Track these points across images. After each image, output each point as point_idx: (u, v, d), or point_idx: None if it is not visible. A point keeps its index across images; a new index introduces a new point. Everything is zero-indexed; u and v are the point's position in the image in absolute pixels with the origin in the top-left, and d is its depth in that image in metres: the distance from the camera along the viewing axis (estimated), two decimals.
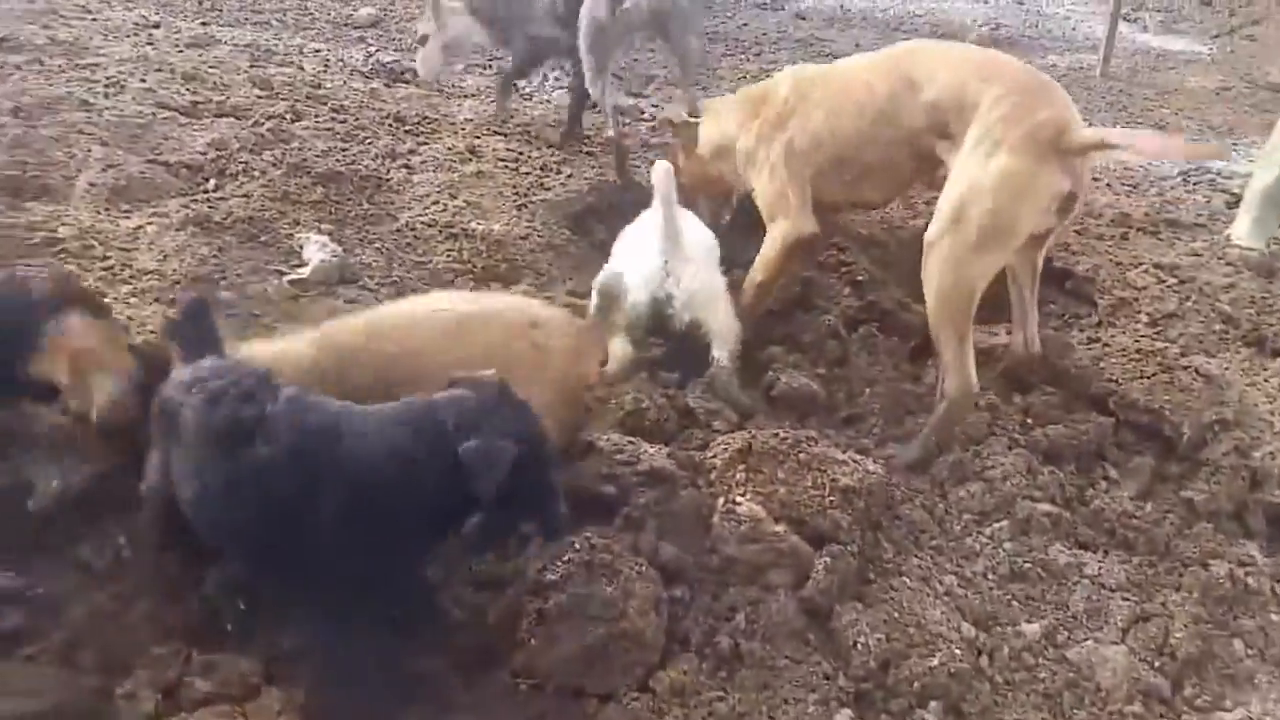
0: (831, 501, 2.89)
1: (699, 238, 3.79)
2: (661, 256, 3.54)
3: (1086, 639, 2.67)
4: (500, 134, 5.58)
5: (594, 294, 3.70)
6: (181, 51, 6.16)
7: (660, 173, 3.57)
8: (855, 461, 3.03)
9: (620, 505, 2.96)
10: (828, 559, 2.74)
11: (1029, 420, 3.52)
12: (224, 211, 4.18)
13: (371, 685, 2.46)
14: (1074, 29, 9.98)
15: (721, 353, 3.57)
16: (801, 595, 2.68)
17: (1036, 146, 3.06)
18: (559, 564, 2.67)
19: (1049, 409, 3.55)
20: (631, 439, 3.21)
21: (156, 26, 6.65)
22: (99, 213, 4.02)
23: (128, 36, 6.15)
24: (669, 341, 3.66)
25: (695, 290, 3.55)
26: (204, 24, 7.10)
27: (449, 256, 4.27)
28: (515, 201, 4.81)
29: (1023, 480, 3.18)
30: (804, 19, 9.58)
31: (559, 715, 2.44)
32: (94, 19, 6.47)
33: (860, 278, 4.20)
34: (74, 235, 3.75)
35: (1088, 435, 3.43)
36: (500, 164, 5.20)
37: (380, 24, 7.90)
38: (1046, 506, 3.09)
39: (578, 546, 2.71)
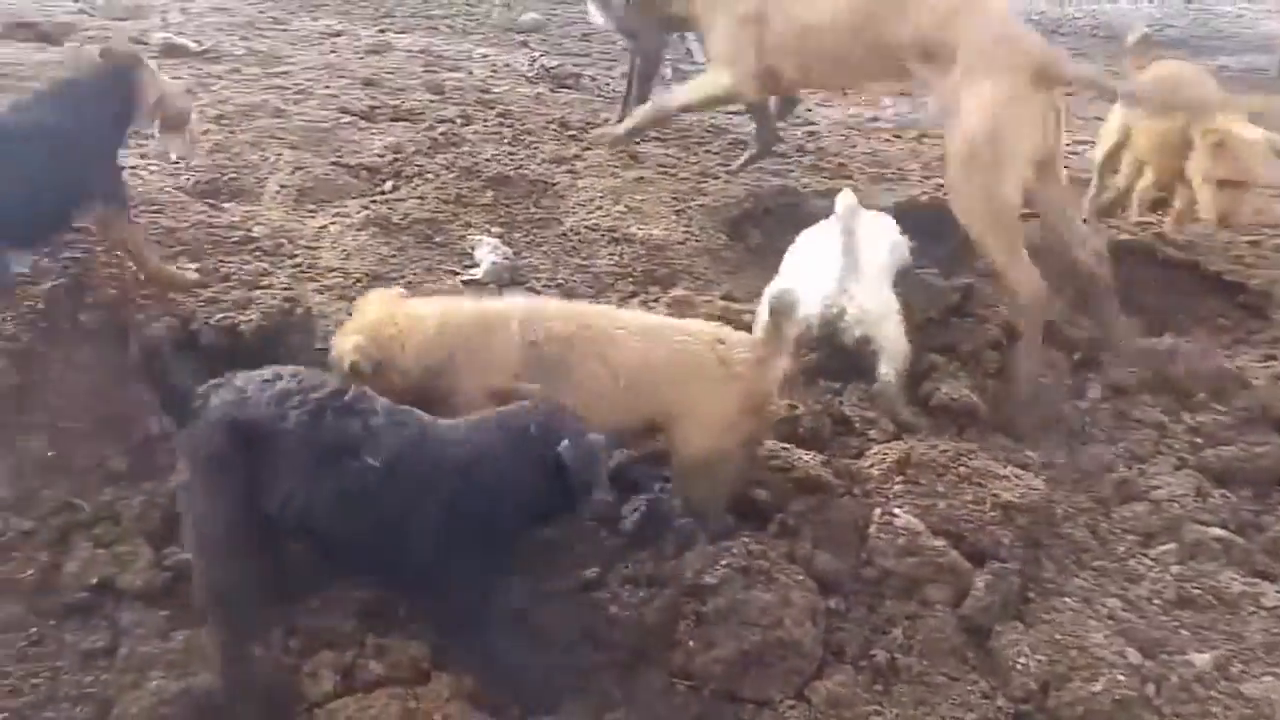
0: (992, 517, 2.83)
1: (877, 255, 3.73)
2: (838, 274, 3.50)
3: (1264, 674, 2.54)
4: (660, 139, 5.63)
5: (764, 303, 3.69)
6: (361, 58, 6.44)
7: (844, 203, 3.55)
8: (1017, 477, 2.96)
9: (775, 512, 2.97)
10: (988, 576, 2.68)
11: (1198, 440, 3.37)
12: (401, 213, 4.35)
13: (529, 679, 2.54)
14: (1247, 29, 9.43)
15: (889, 369, 3.51)
16: (960, 612, 2.63)
17: (1027, 72, 3.47)
18: (716, 568, 2.70)
19: (1220, 429, 3.39)
20: (786, 445, 3.21)
21: (339, 35, 6.97)
22: (288, 213, 4.25)
23: (314, 45, 6.46)
24: (831, 351, 3.63)
25: (869, 309, 3.50)
26: (380, 31, 7.39)
27: (611, 260, 4.34)
28: (674, 206, 4.85)
29: (1191, 502, 3.05)
30: None
31: (715, 718, 2.47)
32: (285, 30, 6.82)
33: None
34: (266, 234, 3.97)
35: (1265, 458, 3.26)
36: (660, 169, 5.25)
37: (543, 29, 8.07)
38: (1217, 531, 2.96)
39: (735, 551, 2.74)
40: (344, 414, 2.33)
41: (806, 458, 3.12)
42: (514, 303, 3.07)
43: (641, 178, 5.05)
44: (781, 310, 3.04)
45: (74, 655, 2.47)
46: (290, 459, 2.27)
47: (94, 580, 2.64)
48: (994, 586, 2.66)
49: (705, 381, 2.86)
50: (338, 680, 2.47)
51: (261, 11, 7.23)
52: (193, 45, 5.96)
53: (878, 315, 3.52)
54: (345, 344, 2.76)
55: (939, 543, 2.76)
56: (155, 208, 3.93)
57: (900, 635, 2.59)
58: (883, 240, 3.83)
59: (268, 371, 2.39)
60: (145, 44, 5.94)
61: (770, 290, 3.67)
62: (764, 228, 4.83)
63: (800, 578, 2.69)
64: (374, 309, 2.88)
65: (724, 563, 2.70)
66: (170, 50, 5.90)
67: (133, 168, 4.24)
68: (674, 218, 4.74)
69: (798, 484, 3.02)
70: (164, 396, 2.44)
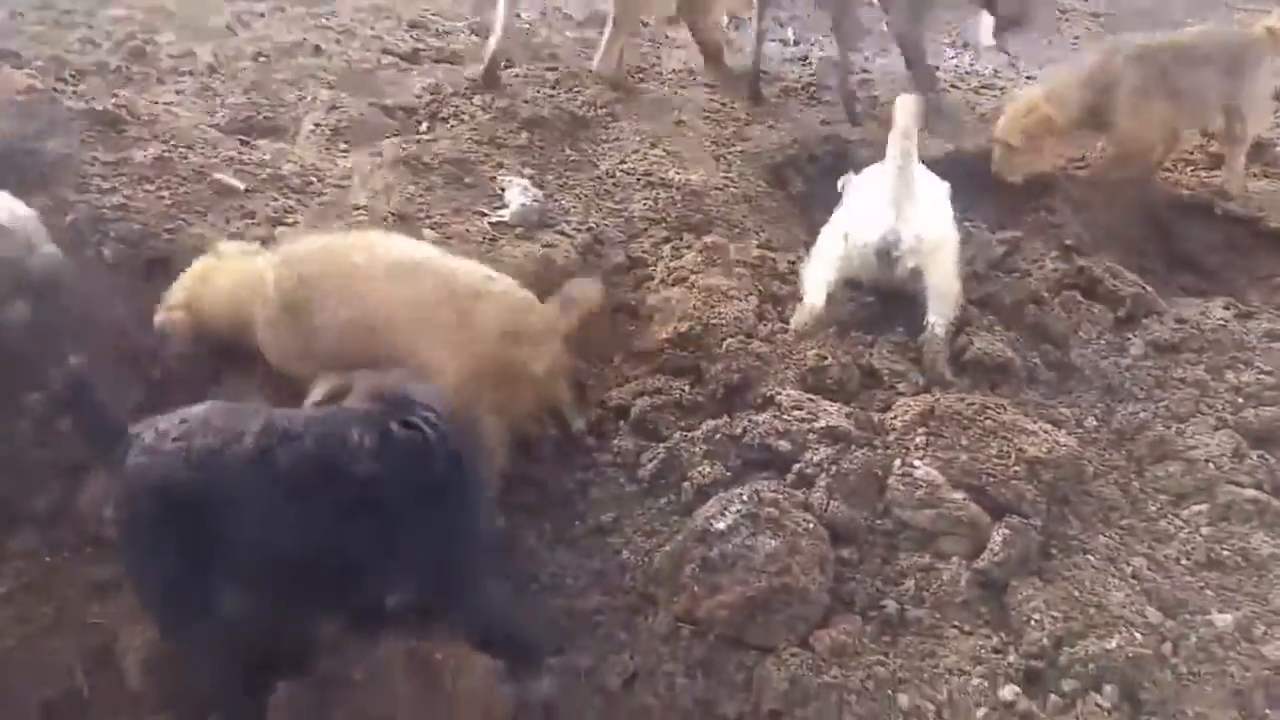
0: (1016, 472, 2.77)
1: (933, 186, 3.65)
2: (893, 195, 3.41)
3: None
4: (706, 85, 5.53)
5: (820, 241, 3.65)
6: (412, 2, 6.38)
7: (904, 103, 3.49)
8: (1046, 432, 2.89)
9: (793, 461, 2.93)
10: (1007, 531, 2.63)
11: (1240, 400, 3.25)
12: (432, 153, 4.32)
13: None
14: None
15: (938, 316, 3.40)
16: (976, 566, 2.59)
17: None
18: (726, 514, 2.67)
19: (1264, 389, 3.26)
20: (812, 396, 3.16)
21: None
22: (320, 151, 4.25)
23: None
24: (866, 298, 3.54)
25: (924, 235, 3.41)
26: None
27: (645, 205, 4.29)
28: (714, 152, 4.77)
29: (1228, 463, 2.95)
30: None
31: (718, 663, 2.46)
32: None
33: (1069, 241, 3.97)
34: (296, 172, 3.98)
35: None
36: (702, 114, 5.17)
37: None
38: (1252, 492, 2.87)
39: (746, 498, 2.71)
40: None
41: (831, 409, 3.07)
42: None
43: (681, 121, 4.98)
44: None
45: (83, 585, 2.53)
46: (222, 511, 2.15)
47: (106, 514, 2.68)
48: (1011, 541, 2.61)
49: (438, 331, 2.74)
50: None
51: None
52: None
53: (933, 244, 3.43)
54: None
55: (958, 495, 2.72)
56: (185, 144, 3.95)
57: (912, 587, 2.56)
58: (940, 186, 3.73)
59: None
60: None
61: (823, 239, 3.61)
62: (807, 175, 4.74)
63: (811, 525, 2.66)
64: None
65: (734, 509, 2.67)
66: None
67: (167, 104, 4.26)
68: (713, 163, 4.67)
69: (820, 434, 2.97)
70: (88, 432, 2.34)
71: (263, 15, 5.60)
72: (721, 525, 2.65)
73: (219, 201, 3.62)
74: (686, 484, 3.03)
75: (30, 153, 3.56)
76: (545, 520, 3.01)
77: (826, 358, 3.31)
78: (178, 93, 4.39)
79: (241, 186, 3.73)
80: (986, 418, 2.89)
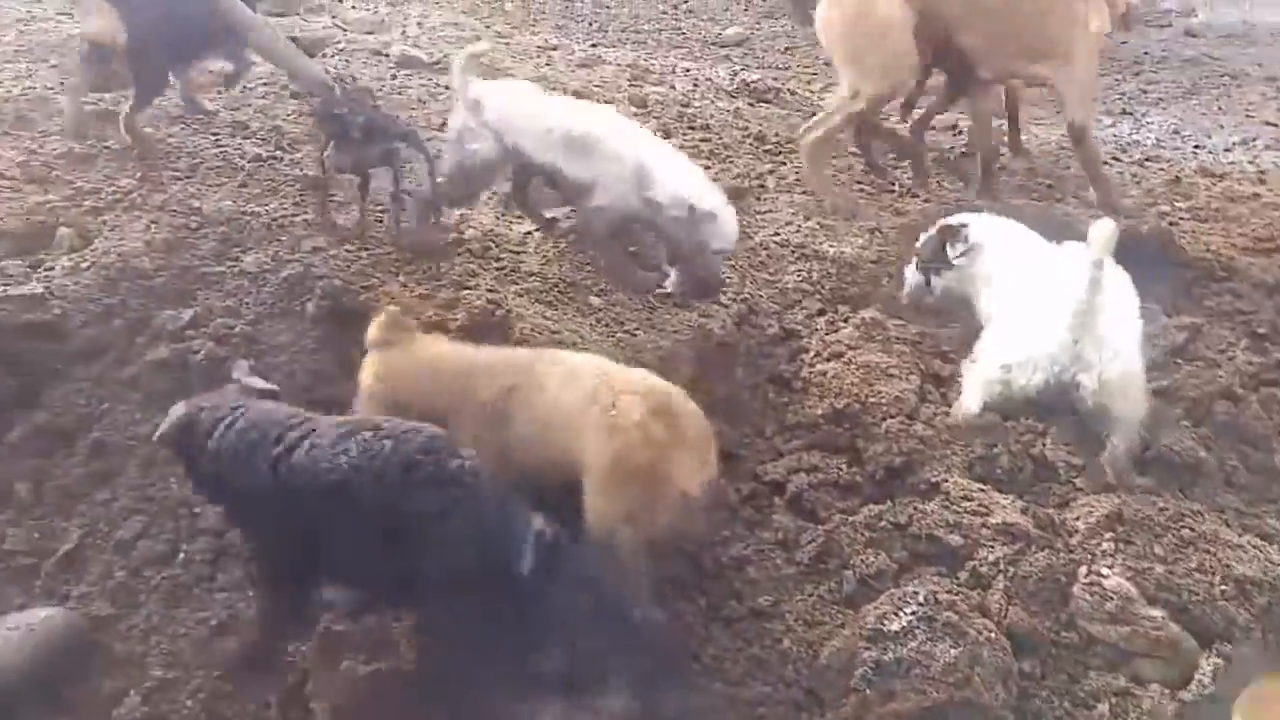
0: (1223, 591, 2.34)
1: (1122, 307, 2.98)
2: (1073, 329, 2.80)
3: None
4: (856, 155, 5.21)
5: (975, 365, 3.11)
6: (574, 71, 6.27)
7: (1101, 228, 2.80)
8: (1255, 547, 2.45)
9: (966, 558, 2.57)
10: (1218, 660, 2.20)
11: None
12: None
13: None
14: None
15: (1121, 441, 2.84)
16: (1182, 697, 2.17)
17: None
18: (901, 614, 2.34)
19: None
20: (982, 486, 2.80)
21: (554, 49, 6.83)
22: (498, 218, 4.09)
23: (531, 58, 6.33)
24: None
25: (1111, 379, 2.80)
26: (593, 45, 7.21)
27: (799, 276, 4.00)
28: (868, 225, 4.44)
29: None
30: (1194, 36, 8.06)
31: None
32: (507, 43, 6.73)
33: (1261, 329, 3.48)
34: (476, 237, 3.83)
35: None
36: (856, 186, 4.85)
37: (746, 42, 7.72)
38: None
39: (923, 599, 2.37)
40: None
41: (1004, 502, 2.71)
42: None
43: (836, 195, 4.65)
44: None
45: None
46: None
47: None
48: (1226, 672, 2.18)
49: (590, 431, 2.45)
50: None
51: (488, 26, 7.17)
52: (425, 57, 5.94)
53: (1121, 385, 2.81)
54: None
55: (1155, 612, 2.31)
56: (382, 208, 3.84)
57: (1106, 713, 2.17)
58: (1125, 288, 3.06)
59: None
60: (385, 55, 5.95)
61: (985, 352, 3.08)
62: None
63: (992, 634, 2.29)
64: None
65: (909, 610, 2.33)
66: (406, 61, 5.88)
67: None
68: (867, 236, 4.34)
69: (994, 530, 2.61)
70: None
71: (446, 88, 5.52)
72: (895, 626, 2.32)
73: (408, 264, 3.47)
74: (849, 572, 2.71)
75: (253, 214, 3.52)
76: (700, 596, 2.73)
77: (995, 445, 2.93)
78: None
79: None
80: (1183, 525, 2.48)
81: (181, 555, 2.55)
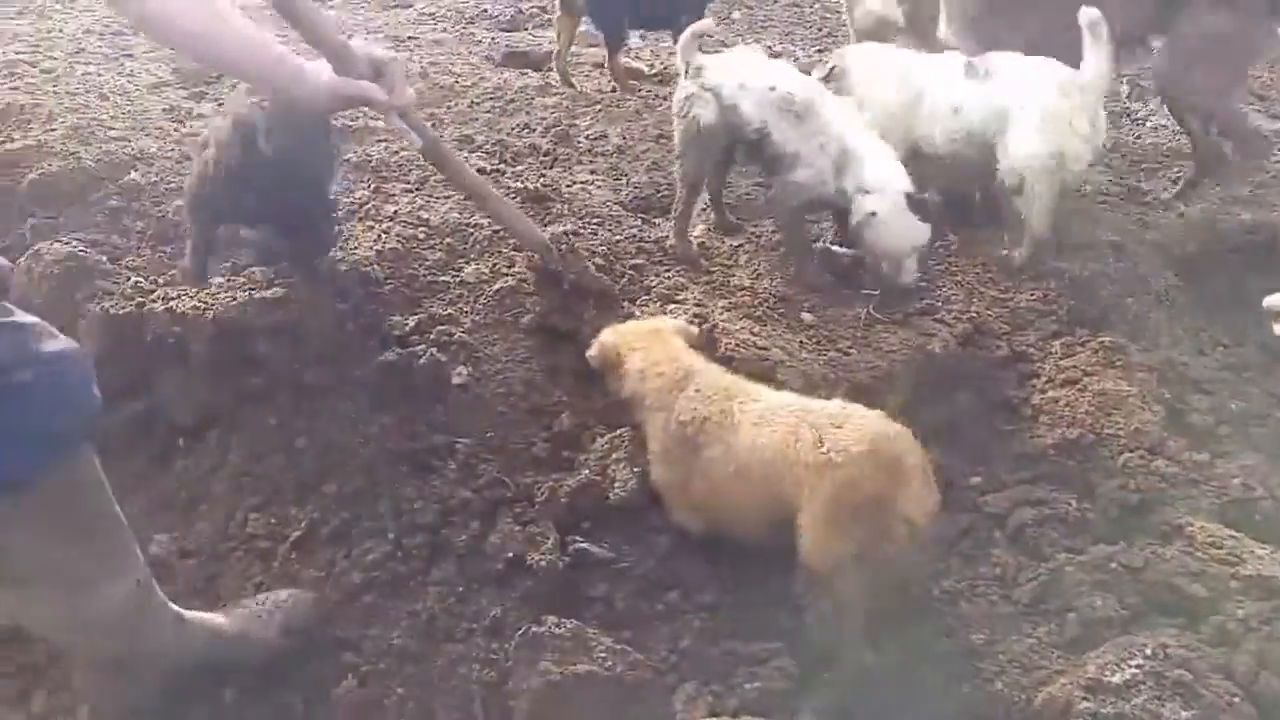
0: None
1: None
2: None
3: None
4: (1107, 167, 4.90)
5: None
6: None
7: None
8: None
9: (1211, 612, 2.36)
10: None
11: None
12: (814, 234, 4.10)
13: None
14: None
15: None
16: None
17: None
18: (1125, 666, 2.19)
19: None
20: (1234, 533, 2.57)
21: (777, 56, 6.83)
22: (709, 229, 4.14)
23: None
24: None
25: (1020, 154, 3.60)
26: (819, 50, 7.15)
27: (1033, 295, 3.80)
28: (1111, 240, 4.16)
29: None
30: None
31: None
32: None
33: None
34: (686, 251, 3.88)
35: None
36: (1103, 197, 4.57)
37: None
38: None
39: (1150, 651, 2.20)
40: None
41: (1261, 552, 2.47)
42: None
43: (1076, 210, 4.39)
44: None
45: (485, 620, 2.58)
46: None
47: (509, 554, 2.71)
48: None
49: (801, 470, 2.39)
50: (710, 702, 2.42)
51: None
52: (646, 69, 6.09)
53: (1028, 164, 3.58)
54: (603, 336, 2.94)
55: None
56: (596, 220, 4.00)
57: None
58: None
59: None
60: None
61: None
62: (1229, 271, 4.00)
63: (1236, 700, 2.10)
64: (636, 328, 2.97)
65: (1135, 662, 2.18)
66: (631, 75, 6.06)
67: (583, 183, 4.36)
68: (1113, 253, 4.06)
69: (1245, 582, 2.39)
70: None
71: (663, 99, 5.66)
72: (1118, 679, 2.18)
73: (619, 278, 3.60)
74: (1072, 615, 2.57)
75: (476, 226, 3.75)
76: (909, 629, 2.65)
77: (1255, 488, 2.69)
78: (592, 172, 4.48)
79: None
80: None
81: (399, 550, 2.74)
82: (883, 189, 3.56)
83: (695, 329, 3.11)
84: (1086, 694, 2.19)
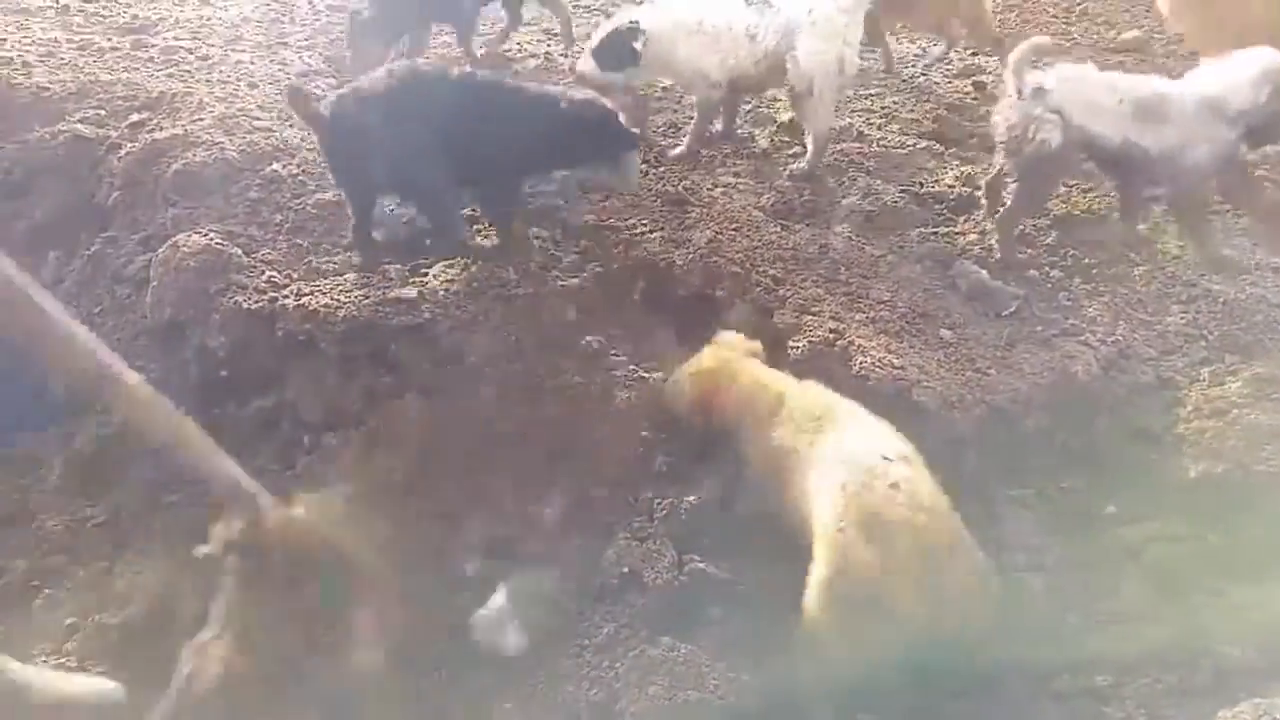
0: None
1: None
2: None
3: None
4: (1272, 182, 4.64)
5: None
6: (949, 81, 6.11)
7: None
8: None
9: None
10: None
11: None
12: (960, 246, 4.05)
13: None
14: None
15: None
16: None
17: None
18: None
19: None
20: None
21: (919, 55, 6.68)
22: (850, 238, 4.13)
23: (908, 66, 6.21)
24: None
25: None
26: (973, 54, 6.97)
27: (1183, 319, 3.68)
28: (1276, 264, 3.97)
29: None
30: None
31: None
32: (873, 55, 6.69)
33: None
34: (826, 260, 3.90)
35: None
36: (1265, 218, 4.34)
37: (1144, 47, 7.07)
38: None
39: None
40: None
41: None
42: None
43: (1241, 227, 4.19)
44: None
45: (597, 637, 2.62)
46: None
47: (625, 570, 2.78)
48: None
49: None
50: None
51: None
52: None
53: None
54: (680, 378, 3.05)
55: None
56: (735, 225, 4.03)
57: None
58: None
59: None
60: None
61: None
62: None
63: None
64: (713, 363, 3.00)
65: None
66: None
67: (725, 186, 4.39)
68: (1270, 275, 3.89)
69: None
70: None
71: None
72: None
73: (754, 287, 3.64)
74: (1206, 661, 2.52)
75: (613, 229, 3.85)
76: (1028, 665, 2.64)
77: None
78: (735, 175, 4.50)
79: None
80: None
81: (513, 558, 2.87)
82: None
83: (754, 342, 3.13)
84: None
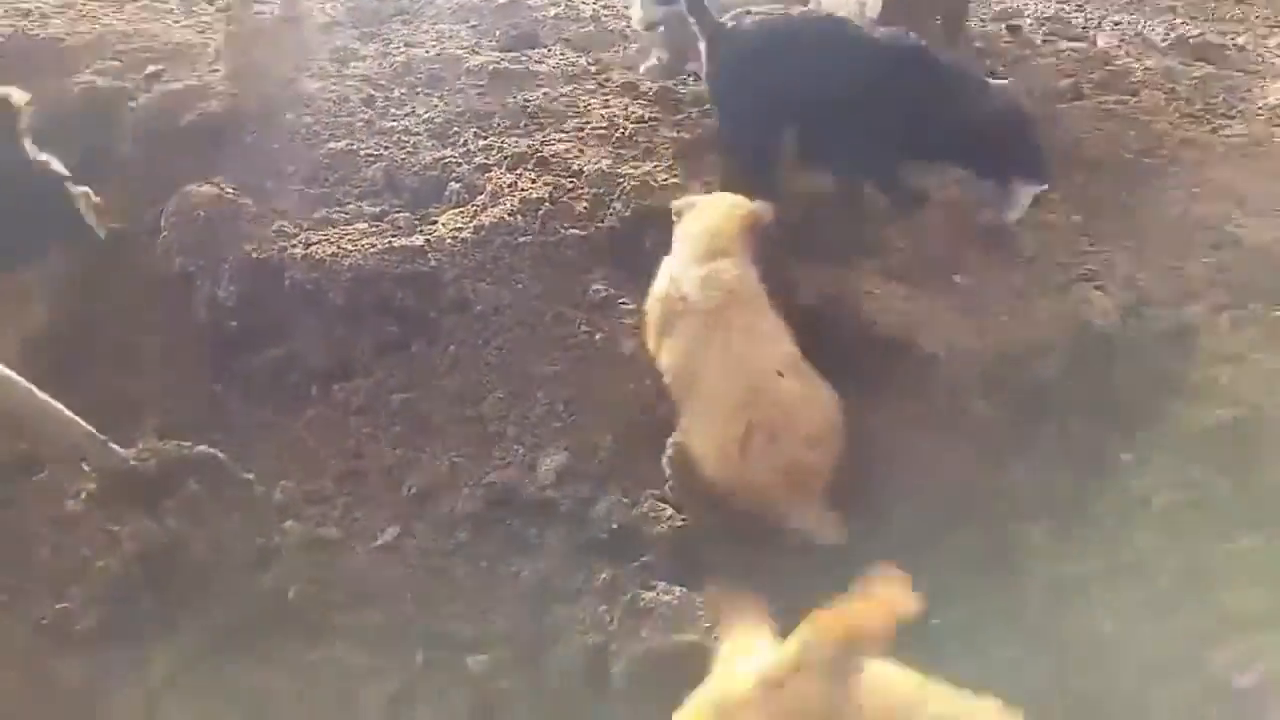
0: None
1: None
2: None
3: None
4: None
5: None
6: (984, 26, 5.93)
7: None
8: None
9: None
10: None
11: None
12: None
13: None
14: None
15: None
16: None
17: None
18: (1250, 667, 2.13)
19: None
20: None
21: None
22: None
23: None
24: None
25: None
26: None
27: (1207, 265, 3.59)
28: None
29: None
30: None
31: None
32: None
33: None
34: (844, 208, 3.80)
35: None
36: None
37: None
38: None
39: None
40: None
41: None
42: None
43: (1263, 171, 4.06)
44: None
45: (595, 583, 2.66)
46: None
47: (624, 519, 2.80)
48: None
49: None
50: None
51: None
52: None
53: None
54: None
55: None
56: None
57: None
58: None
59: None
60: None
61: None
62: None
63: None
64: None
65: (1260, 665, 2.12)
66: None
67: None
68: None
69: None
70: None
71: None
72: (1244, 683, 2.12)
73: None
74: (1211, 607, 2.49)
75: (625, 176, 3.77)
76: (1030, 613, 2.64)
77: None
78: None
79: None
80: None
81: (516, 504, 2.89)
82: None
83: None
84: (1207, 698, 2.14)
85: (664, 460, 2.85)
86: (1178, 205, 3.91)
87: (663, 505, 2.83)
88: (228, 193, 3.56)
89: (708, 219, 3.03)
